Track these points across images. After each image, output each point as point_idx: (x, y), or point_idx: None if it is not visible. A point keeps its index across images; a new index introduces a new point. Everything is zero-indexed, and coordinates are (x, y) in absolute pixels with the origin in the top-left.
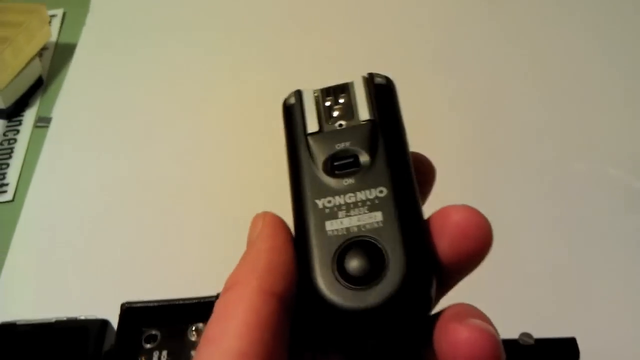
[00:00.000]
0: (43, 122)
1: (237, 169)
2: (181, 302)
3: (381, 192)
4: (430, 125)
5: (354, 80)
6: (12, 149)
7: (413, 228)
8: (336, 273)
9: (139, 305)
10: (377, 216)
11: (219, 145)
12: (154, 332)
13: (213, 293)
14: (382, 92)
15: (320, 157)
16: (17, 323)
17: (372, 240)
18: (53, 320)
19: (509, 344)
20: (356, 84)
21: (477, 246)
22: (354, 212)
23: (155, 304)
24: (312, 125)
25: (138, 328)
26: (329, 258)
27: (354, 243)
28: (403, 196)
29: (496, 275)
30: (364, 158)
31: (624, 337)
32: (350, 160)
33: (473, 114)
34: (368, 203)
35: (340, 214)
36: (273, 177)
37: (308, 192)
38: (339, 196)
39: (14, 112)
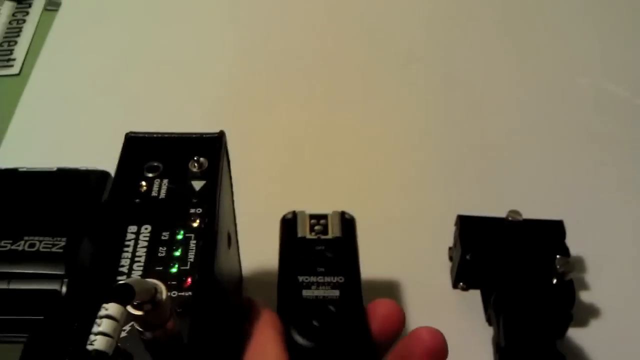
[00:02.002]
0: (52, 6)
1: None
2: (184, 135)
3: (340, 279)
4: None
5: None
6: (20, 29)
7: (356, 305)
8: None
9: (142, 135)
10: (336, 293)
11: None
12: (156, 163)
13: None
14: (348, 223)
15: (304, 253)
16: (19, 169)
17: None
18: (55, 168)
19: (497, 221)
20: (333, 215)
21: (395, 330)
22: (322, 287)
23: (158, 135)
24: (301, 233)
25: (140, 158)
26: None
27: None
28: (353, 285)
29: (495, 164)
30: (330, 256)
31: (608, 221)
32: (323, 257)
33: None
34: (331, 284)
35: (313, 287)
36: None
37: (293, 271)
38: (314, 277)
39: None
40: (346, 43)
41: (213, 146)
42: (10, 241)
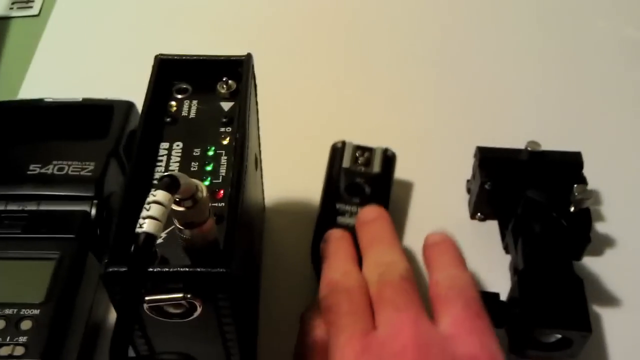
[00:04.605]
0: None
1: None
2: (212, 57)
3: None
4: None
5: (376, 147)
6: None
7: None
8: None
9: (172, 57)
10: None
11: None
12: (185, 85)
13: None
14: (388, 160)
15: (344, 182)
16: (45, 99)
17: None
18: (80, 99)
19: (516, 152)
20: (377, 150)
21: None
22: (354, 217)
23: (187, 57)
24: (346, 163)
25: (170, 80)
26: None
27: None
28: None
29: (513, 98)
30: (367, 191)
31: (624, 156)
32: (360, 189)
33: None
34: None
35: (347, 215)
36: None
37: (332, 198)
38: (349, 206)
39: None
40: None
41: (241, 68)
42: (40, 165)
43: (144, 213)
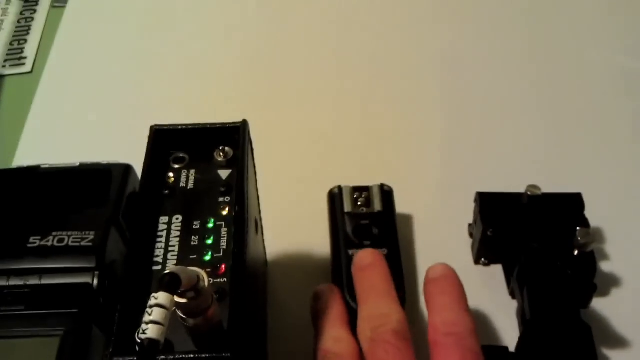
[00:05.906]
0: (59, 2)
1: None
2: (207, 125)
3: (384, 251)
4: None
5: (372, 185)
6: (29, 27)
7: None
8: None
9: (167, 127)
10: None
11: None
12: (182, 154)
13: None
14: (387, 195)
15: (351, 227)
16: (41, 166)
17: None
18: (77, 164)
19: (516, 197)
20: (374, 188)
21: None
22: None
23: (183, 127)
24: (347, 208)
25: (167, 150)
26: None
27: None
28: (395, 254)
29: (511, 141)
30: (375, 231)
31: (625, 192)
32: (368, 231)
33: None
34: None
35: None
36: None
37: (343, 246)
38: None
39: None
40: (361, 31)
41: (237, 135)
42: (39, 237)
43: (147, 318)
